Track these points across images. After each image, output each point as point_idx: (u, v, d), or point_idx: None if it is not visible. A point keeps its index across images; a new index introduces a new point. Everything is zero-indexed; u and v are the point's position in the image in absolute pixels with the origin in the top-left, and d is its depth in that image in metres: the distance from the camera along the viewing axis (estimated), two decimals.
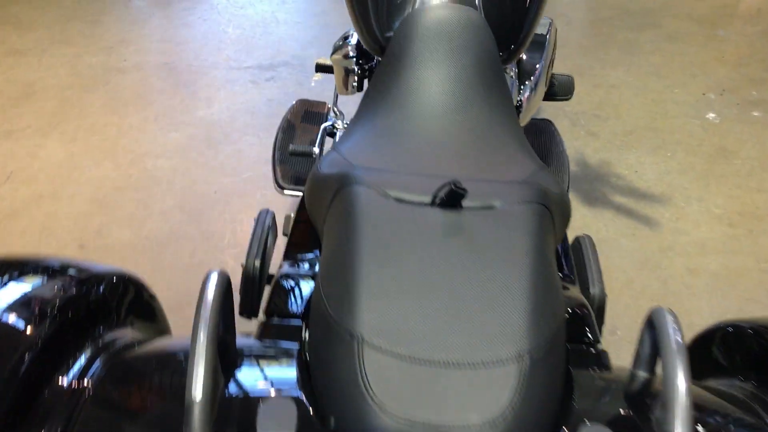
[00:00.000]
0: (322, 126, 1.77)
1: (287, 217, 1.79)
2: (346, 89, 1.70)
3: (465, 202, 0.88)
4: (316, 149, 1.71)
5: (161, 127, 2.42)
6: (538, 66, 1.56)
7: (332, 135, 1.77)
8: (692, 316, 1.90)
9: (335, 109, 1.85)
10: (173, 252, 1.99)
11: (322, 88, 2.64)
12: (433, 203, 0.93)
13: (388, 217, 0.90)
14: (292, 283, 1.06)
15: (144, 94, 2.56)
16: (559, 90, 1.86)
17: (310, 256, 1.10)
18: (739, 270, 2.03)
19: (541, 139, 1.90)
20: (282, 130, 1.91)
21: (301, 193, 1.80)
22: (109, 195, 2.16)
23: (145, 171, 2.25)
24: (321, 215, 1.01)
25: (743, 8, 3.24)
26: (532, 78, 1.55)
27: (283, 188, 1.78)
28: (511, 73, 1.47)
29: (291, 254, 1.12)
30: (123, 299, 0.99)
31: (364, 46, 1.36)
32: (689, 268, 2.03)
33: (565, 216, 1.04)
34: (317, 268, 0.94)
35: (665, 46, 2.95)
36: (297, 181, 1.81)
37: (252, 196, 2.17)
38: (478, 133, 1.16)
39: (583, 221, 2.16)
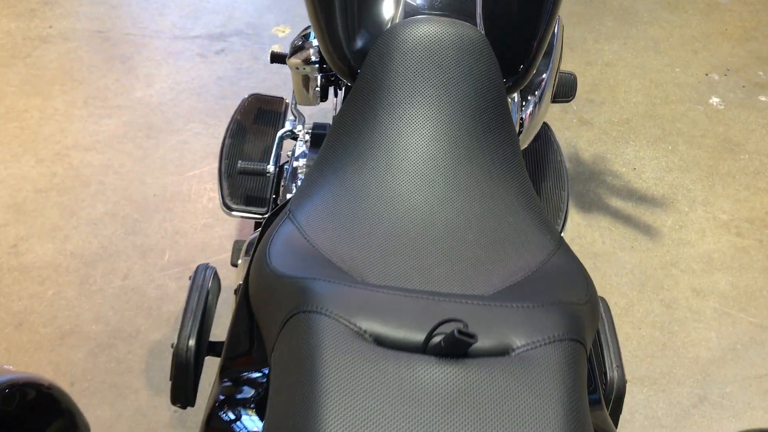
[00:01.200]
0: (278, 134, 1.48)
1: (236, 245, 1.50)
2: (307, 98, 1.39)
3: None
4: (270, 167, 1.42)
5: (92, 113, 2.07)
6: (544, 76, 1.28)
7: (294, 138, 1.47)
8: (699, 349, 1.68)
9: (294, 109, 1.54)
10: (103, 272, 1.69)
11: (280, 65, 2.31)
12: (425, 349, 0.66)
13: (362, 372, 0.63)
14: (231, 415, 0.79)
15: (72, 71, 2.20)
16: (558, 91, 1.58)
17: (256, 375, 0.82)
18: (750, 290, 1.81)
19: (536, 145, 1.62)
20: (231, 133, 1.60)
21: (253, 216, 1.51)
22: (29, 199, 1.84)
23: (72, 168, 1.92)
24: (269, 333, 0.74)
25: None
26: (536, 92, 1.27)
27: (231, 209, 1.48)
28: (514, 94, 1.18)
29: (231, 367, 0.84)
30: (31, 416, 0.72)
31: (330, 67, 1.06)
32: (695, 289, 1.80)
33: (594, 324, 0.78)
34: (264, 411, 0.67)
35: (664, 16, 2.66)
36: (249, 201, 1.51)
37: (197, 200, 1.87)
38: (479, 204, 0.88)
39: (577, 231, 1.91)
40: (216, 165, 1.86)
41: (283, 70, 2.28)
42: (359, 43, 1.01)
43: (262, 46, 2.36)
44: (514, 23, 1.03)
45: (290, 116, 1.55)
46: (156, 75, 2.21)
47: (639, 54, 2.49)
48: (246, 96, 1.69)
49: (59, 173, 1.90)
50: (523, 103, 1.25)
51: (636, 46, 2.52)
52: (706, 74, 2.44)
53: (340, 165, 0.91)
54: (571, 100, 1.62)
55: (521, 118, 1.26)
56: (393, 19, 0.99)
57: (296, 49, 1.34)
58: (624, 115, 2.26)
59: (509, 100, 1.16)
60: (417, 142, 0.90)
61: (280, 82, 2.18)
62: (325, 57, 1.06)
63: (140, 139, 2.01)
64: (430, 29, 0.96)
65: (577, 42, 2.52)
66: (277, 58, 1.65)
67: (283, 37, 2.41)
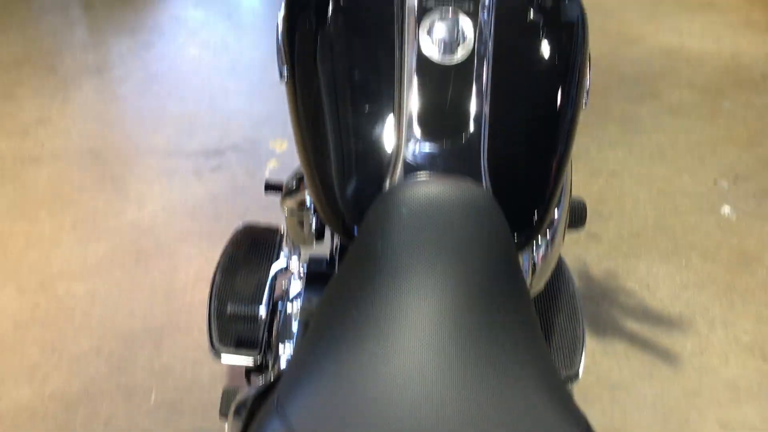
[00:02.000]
0: (272, 271, 1.39)
1: (225, 394, 1.39)
2: (302, 238, 1.30)
3: None
4: (261, 311, 1.32)
5: (80, 237, 1.99)
6: (556, 215, 1.19)
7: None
8: None
9: (289, 242, 1.46)
10: (84, 418, 1.57)
11: (280, 177, 2.24)
12: None
13: None
14: None
15: (62, 192, 2.13)
16: (570, 217, 1.49)
17: None
18: None
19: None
20: (222, 269, 1.50)
21: (243, 362, 1.40)
22: (8, 335, 1.73)
23: (56, 299, 1.82)
24: None
25: (746, 73, 2.93)
26: (548, 232, 1.18)
27: (220, 354, 1.37)
28: None
29: None
30: None
31: (325, 224, 0.97)
32: (722, 422, 1.67)
33: None
34: None
35: (668, 121, 2.62)
36: (239, 343, 1.40)
37: (187, 333, 1.76)
38: (493, 391, 0.78)
39: (592, 358, 1.79)
40: (208, 290, 1.76)
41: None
42: (355, 201, 0.93)
43: (259, 162, 2.30)
44: (523, 177, 0.95)
45: (285, 249, 1.46)
46: (148, 195, 2.14)
47: (644, 162, 2.43)
48: (239, 225, 1.61)
49: (42, 304, 1.80)
50: (535, 246, 1.16)
51: (641, 153, 2.47)
52: (715, 182, 2.37)
53: (335, 346, 0.81)
54: (582, 229, 1.53)
55: (533, 263, 1.17)
56: (392, 176, 0.91)
57: (290, 191, 1.26)
58: (633, 227, 2.17)
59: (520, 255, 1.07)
60: (421, 320, 0.80)
61: (277, 203, 2.11)
62: (318, 210, 0.97)
63: (129, 265, 1.92)
64: (433, 190, 0.88)
65: (581, 151, 2.46)
66: (271, 188, 1.58)
67: (280, 153, 2.36)
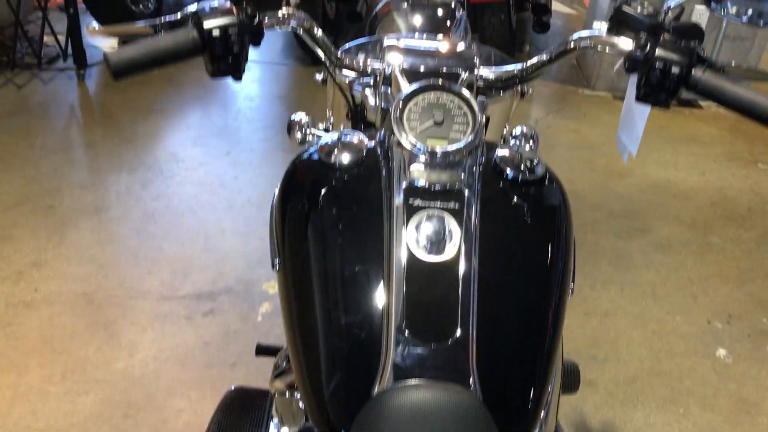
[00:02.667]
0: None
1: None
2: (292, 417, 1.28)
3: None
4: None
5: (68, 389, 1.96)
6: (550, 387, 1.18)
7: None
8: None
9: (279, 405, 1.43)
10: None
11: (271, 324, 2.24)
12: None
13: None
14: None
15: (53, 340, 2.11)
16: (561, 382, 1.48)
17: None
18: None
19: None
20: None
21: None
22: None
23: None
24: None
25: (732, 207, 2.99)
26: (543, 411, 1.16)
27: None
28: None
29: None
30: None
31: (314, 425, 0.96)
32: None
33: None
34: None
35: (658, 258, 2.65)
36: None
37: None
38: None
39: None
40: None
41: (274, 320, 2.21)
42: (344, 405, 0.92)
43: (252, 305, 2.30)
44: (513, 378, 0.95)
45: (275, 416, 1.43)
46: (139, 342, 2.12)
47: (637, 301, 2.44)
48: (229, 389, 1.59)
49: None
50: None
51: (633, 292, 2.48)
52: (709, 322, 2.37)
53: None
54: (575, 393, 1.52)
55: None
56: (381, 380, 0.91)
57: (279, 372, 1.26)
58: (629, 372, 2.15)
59: None
60: None
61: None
62: (307, 411, 0.96)
63: (117, 419, 1.88)
64: (422, 396, 0.88)
65: (578, 287, 2.47)
66: (262, 351, 1.57)
67: (273, 293, 2.36)
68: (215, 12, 1.00)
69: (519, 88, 1.34)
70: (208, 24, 0.99)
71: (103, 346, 2.10)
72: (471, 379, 0.91)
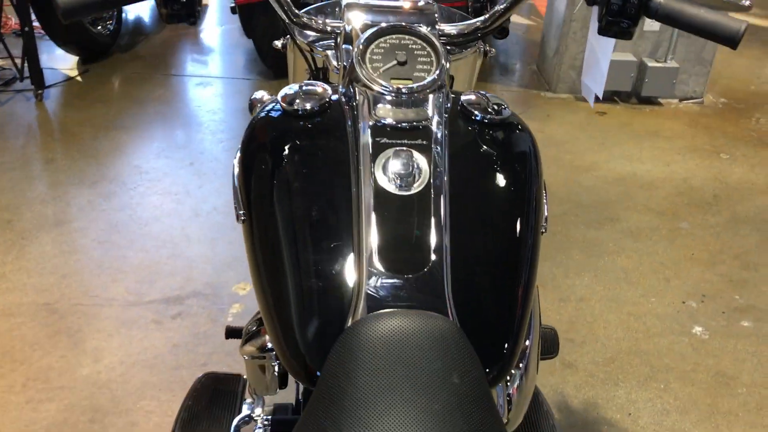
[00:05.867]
0: (234, 422, 1.30)
1: None
2: (264, 386, 1.23)
3: None
4: None
5: (30, 397, 1.87)
6: (527, 342, 1.15)
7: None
8: None
9: (252, 390, 1.38)
10: None
11: (242, 323, 2.17)
12: None
13: None
14: None
15: (13, 350, 2.03)
16: (540, 349, 1.45)
17: None
18: None
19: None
20: (181, 425, 1.41)
21: None
22: None
23: None
24: None
25: (699, 195, 3.02)
26: (521, 363, 1.13)
27: None
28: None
29: None
30: None
31: (288, 372, 0.92)
32: None
33: None
34: None
35: (630, 245, 2.65)
36: None
37: None
38: None
39: None
40: None
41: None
42: (318, 342, 0.88)
43: (221, 307, 2.24)
44: (490, 307, 0.92)
45: (248, 398, 1.38)
46: (105, 348, 2.05)
47: (611, 286, 2.43)
48: (199, 375, 1.53)
49: None
50: (508, 379, 1.11)
51: (607, 278, 2.47)
52: (683, 302, 2.37)
53: None
54: (554, 357, 1.49)
55: (508, 395, 1.11)
56: (354, 313, 0.87)
57: (250, 336, 1.21)
58: (608, 353, 2.13)
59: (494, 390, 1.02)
60: None
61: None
62: (279, 355, 0.92)
63: (83, 424, 1.80)
64: (398, 323, 0.84)
65: (547, 278, 2.46)
66: (233, 334, 1.52)
67: (244, 295, 2.30)
68: None
69: (481, 47, 1.33)
70: None
71: (66, 353, 2.02)
72: (447, 306, 0.88)
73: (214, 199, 2.79)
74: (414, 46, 1.06)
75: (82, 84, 3.75)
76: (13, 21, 3.93)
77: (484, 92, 1.10)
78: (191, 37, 4.46)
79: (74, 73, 3.84)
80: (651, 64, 3.67)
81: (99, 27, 3.97)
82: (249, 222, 0.99)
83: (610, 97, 3.80)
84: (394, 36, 1.06)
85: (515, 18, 4.86)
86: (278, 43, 1.32)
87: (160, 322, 2.16)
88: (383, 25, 1.06)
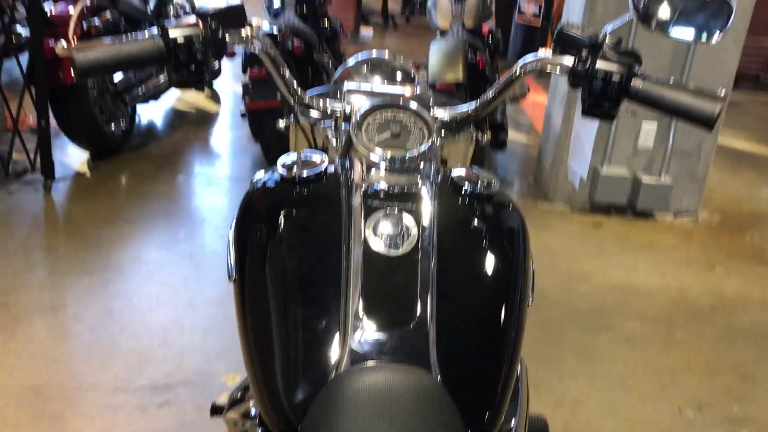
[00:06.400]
0: None
1: None
2: None
3: None
4: None
5: None
6: (512, 423, 1.13)
7: None
8: None
9: None
10: None
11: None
12: None
13: None
14: None
15: None
16: None
17: None
18: None
19: None
20: None
21: None
22: None
23: None
24: None
25: (694, 306, 3.02)
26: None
27: None
28: None
29: None
30: None
31: (266, 422, 0.91)
32: None
33: None
34: None
35: (625, 352, 2.63)
36: None
37: None
38: None
39: None
40: None
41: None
42: (300, 395, 0.88)
43: (210, 396, 2.19)
44: (474, 369, 0.93)
45: None
46: None
47: (606, 391, 2.39)
48: None
49: None
50: None
51: (602, 383, 2.43)
52: (680, 410, 2.32)
53: None
54: None
55: None
56: (338, 367, 0.88)
57: (233, 402, 1.20)
58: None
59: None
60: None
61: None
62: (260, 410, 0.92)
63: None
64: (380, 378, 0.85)
65: (542, 380, 2.42)
66: (218, 411, 1.49)
67: (233, 385, 2.26)
68: (181, 24, 1.05)
69: (474, 133, 1.40)
70: (173, 33, 1.04)
71: (58, 429, 1.98)
72: (430, 362, 0.89)
73: (210, 291, 2.80)
74: (407, 122, 1.11)
75: (90, 179, 3.85)
76: (31, 119, 4.07)
77: (475, 167, 1.15)
78: (201, 140, 4.61)
79: (84, 168, 3.95)
80: (645, 179, 3.77)
81: (112, 126, 4.11)
82: (240, 281, 1.01)
83: (606, 209, 3.88)
84: (389, 111, 1.12)
85: (514, 135, 5.03)
86: (281, 124, 1.39)
87: (145, 409, 2.12)
88: (380, 100, 1.13)
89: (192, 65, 1.05)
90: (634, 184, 3.81)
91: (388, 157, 1.05)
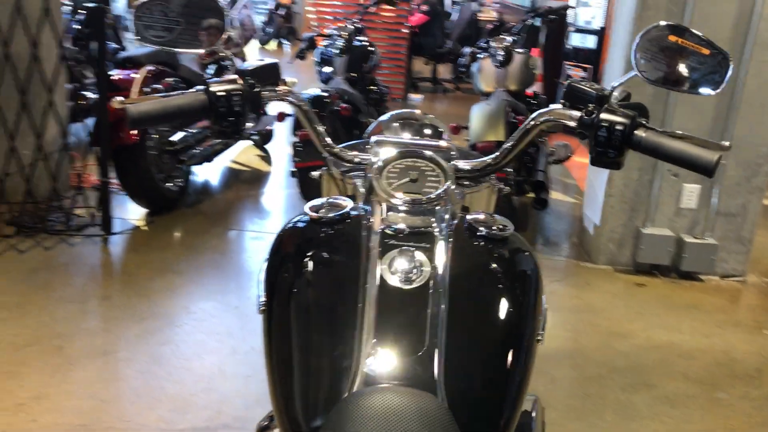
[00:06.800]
0: None
1: None
2: None
3: None
4: None
5: None
6: None
7: None
8: None
9: None
10: None
11: None
12: None
13: None
14: None
15: None
16: None
17: None
18: None
19: None
20: None
21: None
22: None
23: None
24: None
25: (740, 368, 2.97)
26: None
27: None
28: None
29: None
30: None
31: None
32: None
33: None
34: None
35: (665, 411, 2.60)
36: None
37: None
38: None
39: None
40: None
41: None
42: (315, 414, 0.95)
43: None
44: (479, 396, 0.99)
45: None
46: None
47: None
48: None
49: None
50: None
51: None
52: None
53: None
54: None
55: None
56: (350, 388, 0.95)
57: (261, 430, 1.27)
58: None
59: None
60: None
61: None
62: (279, 426, 1.00)
63: None
64: (387, 399, 0.91)
65: None
66: None
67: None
68: (222, 81, 1.18)
69: (496, 183, 1.48)
70: (214, 88, 1.17)
71: None
72: (437, 387, 0.95)
73: (252, 340, 2.89)
74: (426, 168, 1.21)
75: (146, 233, 4.04)
76: (94, 177, 4.32)
77: (492, 214, 1.22)
78: (253, 198, 4.80)
79: (141, 223, 4.14)
80: (689, 240, 3.75)
81: (169, 184, 4.33)
82: (268, 312, 1.10)
83: (649, 270, 3.86)
84: (409, 159, 1.21)
85: (559, 196, 5.08)
86: (315, 174, 1.50)
87: None
88: (401, 149, 1.22)
89: (231, 117, 1.17)
90: (677, 244, 3.79)
91: (405, 199, 1.13)
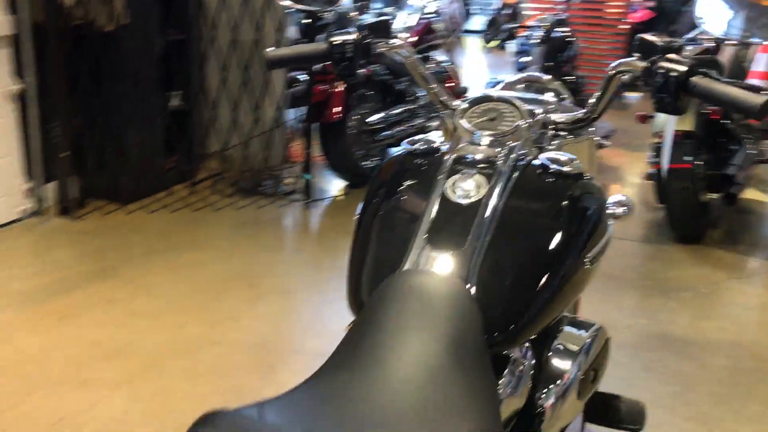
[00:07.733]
0: None
1: None
2: None
3: None
4: None
5: (227, 400, 2.34)
6: (568, 369, 1.31)
7: None
8: None
9: None
10: None
11: None
12: None
13: None
14: None
15: (220, 368, 2.55)
16: (626, 417, 1.55)
17: None
18: None
19: None
20: None
21: None
22: None
23: None
24: None
25: None
26: (558, 382, 1.30)
27: None
28: (521, 366, 1.24)
29: None
30: None
31: (347, 300, 1.28)
32: None
33: None
34: None
35: None
36: None
37: None
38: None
39: None
40: None
41: None
42: (369, 284, 1.21)
43: None
44: (508, 290, 1.17)
45: None
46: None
47: None
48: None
49: None
50: (544, 391, 1.28)
51: None
52: None
53: (326, 374, 1.07)
54: (639, 429, 1.56)
55: (541, 406, 1.27)
56: (400, 270, 1.19)
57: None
58: None
59: (516, 369, 1.22)
60: (398, 363, 1.04)
61: None
62: (347, 290, 1.27)
63: None
64: (421, 280, 1.15)
65: (712, 419, 2.39)
66: None
67: None
68: (340, 32, 1.46)
69: (593, 137, 1.60)
70: (333, 38, 1.45)
71: (267, 376, 2.49)
72: (467, 276, 1.15)
73: None
74: (505, 110, 1.39)
75: (341, 201, 4.52)
76: (302, 152, 4.89)
77: (571, 155, 1.36)
78: None
79: (339, 193, 4.63)
80: None
81: (366, 162, 4.77)
82: (361, 215, 1.37)
83: None
84: (492, 102, 1.40)
85: (754, 195, 4.76)
86: (434, 124, 1.72)
87: None
88: (483, 94, 1.42)
89: (344, 62, 1.44)
90: None
91: (479, 132, 1.34)
